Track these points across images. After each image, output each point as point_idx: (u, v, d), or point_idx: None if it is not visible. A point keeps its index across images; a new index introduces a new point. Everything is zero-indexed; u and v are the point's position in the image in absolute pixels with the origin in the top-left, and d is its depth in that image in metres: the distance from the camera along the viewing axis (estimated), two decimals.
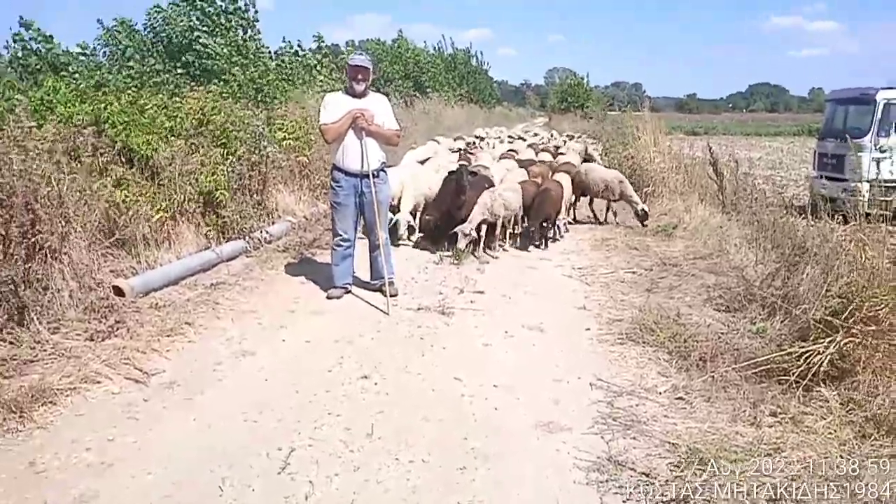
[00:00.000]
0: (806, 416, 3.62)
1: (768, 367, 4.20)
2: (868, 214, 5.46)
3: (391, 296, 5.77)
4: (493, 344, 4.92)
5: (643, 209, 9.12)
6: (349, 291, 6.02)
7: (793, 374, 4.02)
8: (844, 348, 4.03)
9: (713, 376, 4.16)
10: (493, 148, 14.07)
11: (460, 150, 12.81)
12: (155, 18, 15.48)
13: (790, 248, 6.13)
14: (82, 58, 14.38)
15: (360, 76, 5.64)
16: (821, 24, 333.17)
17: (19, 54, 13.54)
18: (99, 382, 3.97)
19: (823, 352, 4.02)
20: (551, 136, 19.69)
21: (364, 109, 5.57)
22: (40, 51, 13.55)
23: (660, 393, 4.05)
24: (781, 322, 5.11)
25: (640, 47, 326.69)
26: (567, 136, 19.08)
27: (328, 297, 5.89)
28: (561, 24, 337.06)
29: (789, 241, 6.45)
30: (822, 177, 13.04)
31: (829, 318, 4.26)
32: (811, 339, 4.28)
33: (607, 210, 9.93)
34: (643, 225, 9.09)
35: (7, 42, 13.56)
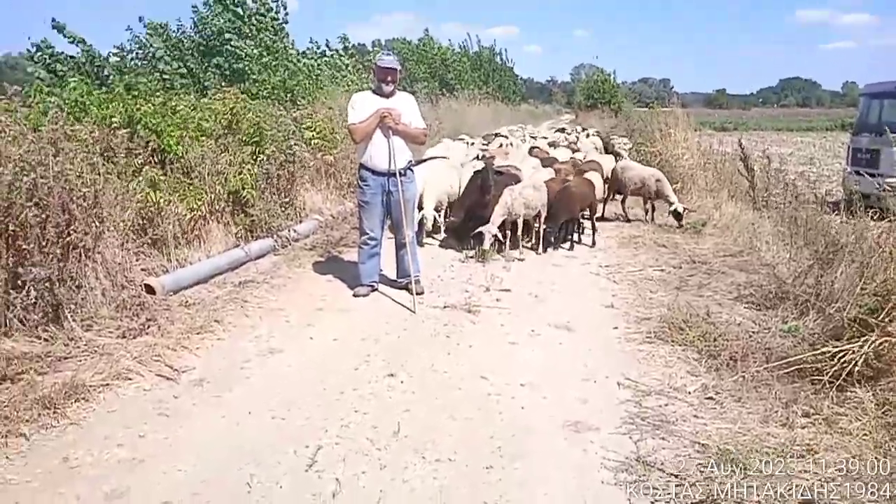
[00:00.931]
0: (840, 417, 3.54)
1: (801, 366, 4.12)
2: None
3: (417, 294, 5.77)
4: (519, 342, 4.90)
5: (676, 209, 8.95)
6: (375, 289, 6.04)
7: (826, 374, 3.94)
8: (880, 348, 3.94)
9: (744, 376, 4.09)
10: (517, 147, 13.96)
11: (483, 147, 12.73)
12: (196, 17, 15.67)
13: (824, 245, 6.02)
14: (115, 59, 14.59)
15: (389, 78, 5.68)
16: (852, 16, 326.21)
17: (47, 59, 13.70)
18: (130, 379, 4.04)
19: (858, 351, 3.93)
20: (565, 131, 19.42)
21: (391, 109, 5.58)
22: (65, 55, 13.71)
23: (689, 392, 4.00)
24: (814, 321, 5.01)
25: (668, 43, 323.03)
26: (594, 132, 18.84)
27: (355, 296, 5.92)
28: (587, 20, 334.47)
29: (823, 238, 6.34)
30: (855, 172, 12.78)
31: (864, 317, 4.17)
32: (845, 338, 4.20)
33: (651, 209, 9.68)
34: (679, 225, 8.95)
35: (30, 49, 13.73)
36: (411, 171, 5.93)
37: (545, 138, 16.60)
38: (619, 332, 5.10)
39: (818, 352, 4.14)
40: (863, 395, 3.72)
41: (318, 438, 3.42)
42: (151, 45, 15.18)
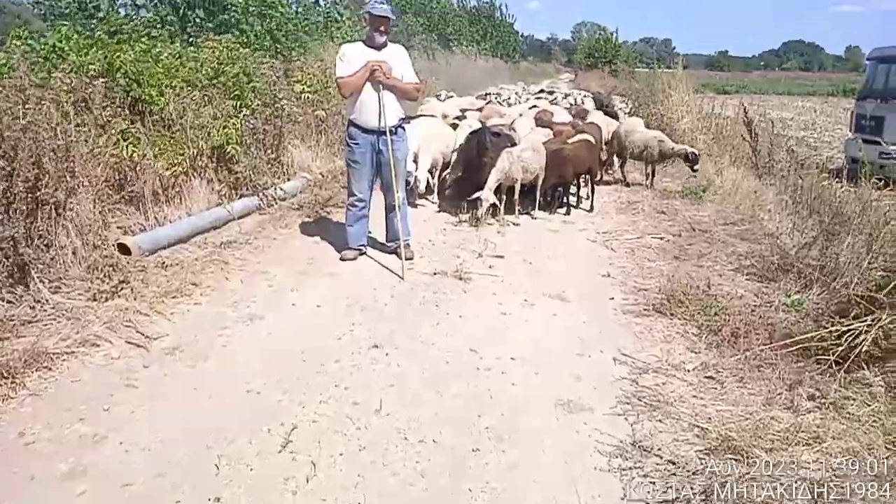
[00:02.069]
0: (848, 401, 3.35)
1: (806, 345, 3.93)
2: None
3: (407, 259, 5.53)
4: (511, 313, 4.68)
5: (686, 152, 8.61)
6: (364, 253, 5.80)
7: (833, 353, 3.76)
8: (889, 327, 3.74)
9: (746, 354, 3.89)
10: (509, 105, 13.50)
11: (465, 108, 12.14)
12: None
13: (829, 216, 5.80)
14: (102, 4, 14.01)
15: (382, 27, 5.27)
16: None
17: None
18: (98, 346, 3.80)
19: (867, 331, 3.74)
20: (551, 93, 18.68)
21: (382, 61, 5.25)
22: None
23: (688, 371, 3.80)
24: (818, 295, 4.82)
25: (672, 2, 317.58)
26: (588, 95, 18.27)
27: (342, 259, 5.68)
28: None
29: (828, 207, 6.12)
30: (858, 139, 12.50)
31: (873, 294, 3.97)
32: (852, 315, 4.00)
33: (651, 173, 9.32)
34: (693, 169, 8.68)
35: None
36: (403, 128, 5.62)
37: (539, 97, 16.04)
38: (616, 304, 4.89)
39: (824, 330, 3.95)
40: (871, 377, 3.53)
41: (294, 415, 3.21)
42: None
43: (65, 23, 8.02)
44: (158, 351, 3.85)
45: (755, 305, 4.77)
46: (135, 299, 4.39)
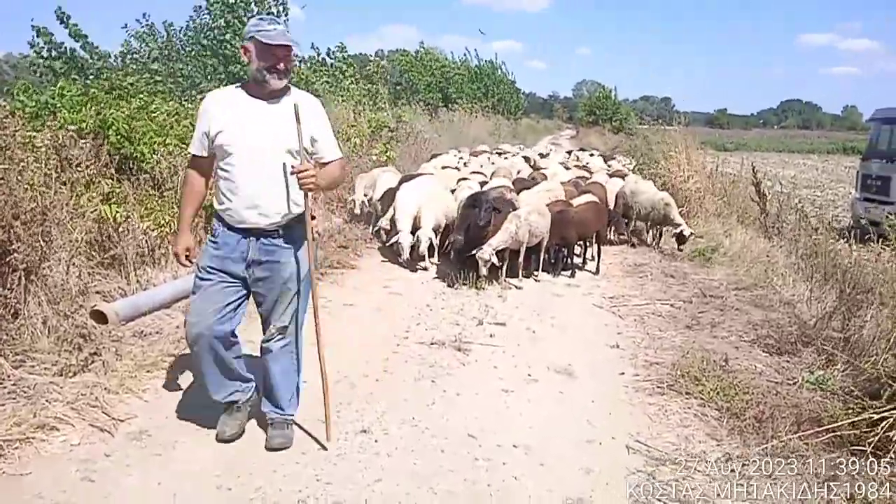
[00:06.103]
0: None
1: (838, 433, 3.57)
2: None
3: (272, 449, 3.41)
4: (514, 390, 4.31)
5: (683, 232, 8.37)
6: (244, 414, 3.61)
7: (868, 442, 3.41)
8: None
9: (773, 444, 3.53)
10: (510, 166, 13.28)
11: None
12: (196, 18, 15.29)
13: (849, 284, 5.49)
14: (118, 61, 14.04)
15: (281, 63, 3.05)
16: (854, 41, 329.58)
17: (44, 55, 13.00)
18: (57, 430, 3.41)
19: None
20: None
21: (304, 169, 3.06)
22: (70, 50, 13.10)
23: (709, 463, 3.42)
24: (843, 372, 4.47)
25: (670, 62, 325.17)
26: (594, 153, 18.15)
27: (218, 437, 3.47)
28: (590, 37, 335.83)
29: (846, 275, 5.82)
30: (865, 199, 12.36)
31: None
32: (884, 397, 3.67)
33: (658, 235, 9.15)
34: (679, 249, 8.42)
35: (32, 39, 13.00)
36: (301, 224, 3.29)
37: (542, 155, 15.86)
38: (627, 379, 4.53)
39: (856, 416, 3.61)
40: None
41: None
42: (145, 45, 14.72)
43: (75, 78, 7.88)
44: (124, 436, 3.47)
45: (776, 383, 4.43)
46: (105, 374, 4.02)
